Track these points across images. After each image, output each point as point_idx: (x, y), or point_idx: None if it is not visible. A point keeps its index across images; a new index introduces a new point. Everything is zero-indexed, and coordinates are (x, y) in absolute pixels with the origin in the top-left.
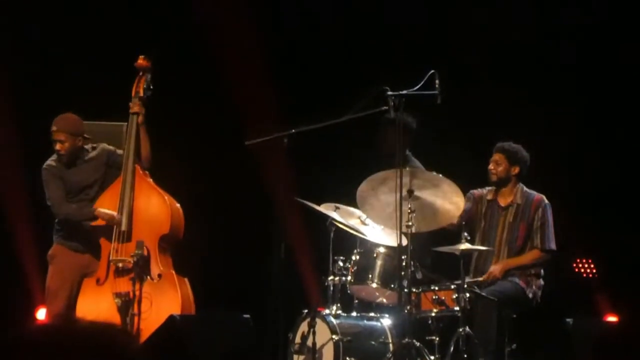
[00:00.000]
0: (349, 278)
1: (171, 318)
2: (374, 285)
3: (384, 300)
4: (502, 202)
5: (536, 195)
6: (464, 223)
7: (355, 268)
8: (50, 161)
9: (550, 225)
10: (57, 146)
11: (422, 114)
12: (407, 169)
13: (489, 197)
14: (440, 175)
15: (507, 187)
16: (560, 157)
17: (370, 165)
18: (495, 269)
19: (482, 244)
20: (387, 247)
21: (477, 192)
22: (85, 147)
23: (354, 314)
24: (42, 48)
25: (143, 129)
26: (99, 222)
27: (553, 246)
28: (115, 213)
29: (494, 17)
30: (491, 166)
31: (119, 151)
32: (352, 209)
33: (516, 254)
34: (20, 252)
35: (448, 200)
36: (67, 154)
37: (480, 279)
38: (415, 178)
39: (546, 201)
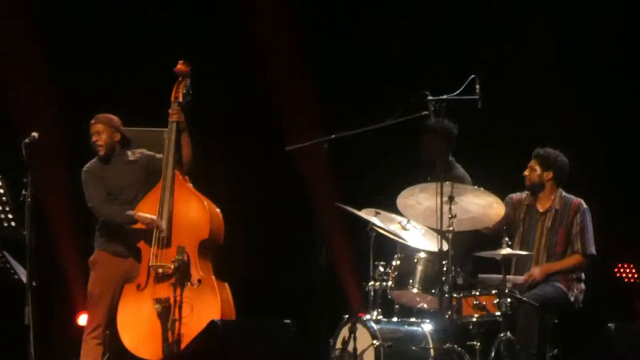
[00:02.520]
0: (389, 283)
1: (212, 323)
2: (415, 290)
3: (425, 306)
4: (541, 207)
5: (574, 199)
6: (504, 228)
7: (396, 273)
8: (90, 163)
9: (590, 229)
10: (94, 138)
11: (464, 119)
12: (447, 182)
13: (528, 201)
14: (481, 188)
15: (545, 192)
16: (603, 162)
17: (411, 171)
18: (535, 270)
19: (521, 249)
20: (427, 252)
21: (515, 196)
22: (127, 151)
23: (394, 319)
24: (84, 55)
25: (185, 134)
26: (139, 225)
27: (593, 251)
28: (155, 217)
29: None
30: (526, 172)
31: (159, 156)
32: (392, 214)
33: (556, 260)
34: (62, 258)
35: (488, 206)
36: (104, 146)
37: (521, 278)
38: (456, 187)
39: (585, 205)
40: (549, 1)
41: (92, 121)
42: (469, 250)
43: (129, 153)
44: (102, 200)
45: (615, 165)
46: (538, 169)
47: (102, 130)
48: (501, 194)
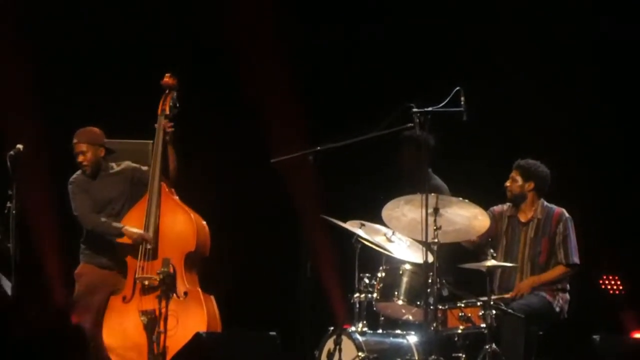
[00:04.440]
0: (374, 295)
1: (197, 336)
2: (400, 302)
3: (410, 317)
4: (523, 217)
5: (556, 209)
6: (489, 240)
7: (381, 285)
8: (76, 175)
9: (573, 238)
10: (80, 158)
11: (447, 131)
12: (433, 194)
13: (509, 213)
14: (466, 200)
15: (527, 203)
16: (588, 174)
17: (391, 183)
18: (522, 286)
19: (505, 261)
20: (413, 264)
21: (497, 208)
22: (110, 163)
23: (379, 331)
24: (69, 67)
25: (170, 147)
26: (125, 240)
27: (577, 260)
28: (143, 231)
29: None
30: (507, 183)
31: (144, 168)
32: (377, 226)
33: (540, 270)
34: (47, 270)
35: (473, 218)
36: (90, 165)
37: (508, 295)
38: (441, 199)
39: (567, 215)
40: (534, 17)
41: (75, 140)
42: (449, 262)
43: (114, 165)
44: (88, 210)
45: (598, 177)
46: (519, 180)
47: (86, 150)
48: (482, 207)
